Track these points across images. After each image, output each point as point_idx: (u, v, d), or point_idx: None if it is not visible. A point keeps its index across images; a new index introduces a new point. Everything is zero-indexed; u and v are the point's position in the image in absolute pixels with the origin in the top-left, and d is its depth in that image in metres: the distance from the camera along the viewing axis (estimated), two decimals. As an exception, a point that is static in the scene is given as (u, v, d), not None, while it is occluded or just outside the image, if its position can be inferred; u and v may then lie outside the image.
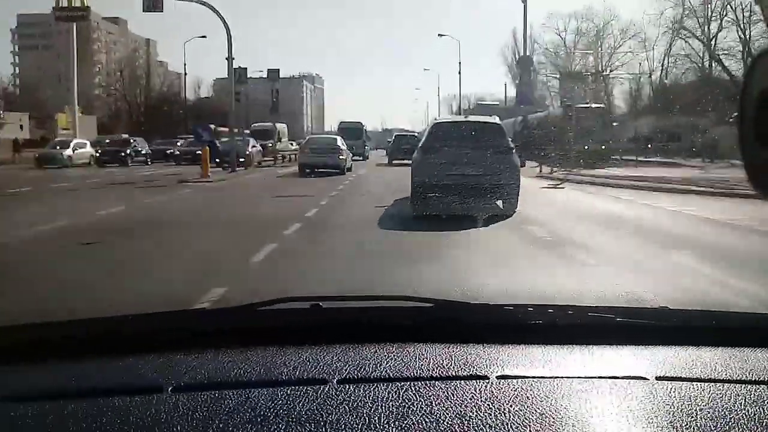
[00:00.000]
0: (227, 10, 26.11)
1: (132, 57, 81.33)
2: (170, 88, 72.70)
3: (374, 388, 0.86)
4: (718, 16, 40.43)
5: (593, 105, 29.61)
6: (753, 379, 0.93)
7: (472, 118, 10.99)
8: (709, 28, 40.51)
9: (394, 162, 27.41)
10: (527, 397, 0.84)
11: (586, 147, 17.98)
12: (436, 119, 10.39)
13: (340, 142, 21.31)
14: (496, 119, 10.72)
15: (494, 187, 8.49)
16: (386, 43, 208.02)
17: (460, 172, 8.43)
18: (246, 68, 28.53)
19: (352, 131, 34.26)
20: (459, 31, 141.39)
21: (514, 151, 9.29)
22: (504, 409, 0.81)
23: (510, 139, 9.67)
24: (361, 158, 33.38)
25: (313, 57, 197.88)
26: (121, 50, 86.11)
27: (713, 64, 41.04)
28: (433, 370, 0.93)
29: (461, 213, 7.93)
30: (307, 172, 19.53)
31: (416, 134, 37.19)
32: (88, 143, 29.79)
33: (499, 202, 8.75)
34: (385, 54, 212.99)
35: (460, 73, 45.08)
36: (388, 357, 0.97)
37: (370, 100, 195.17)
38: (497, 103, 65.03)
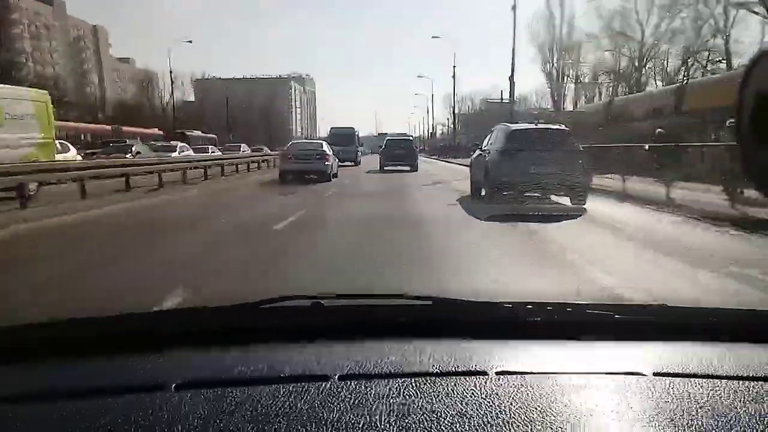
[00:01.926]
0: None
1: (73, 47, 70.12)
2: (140, 88, 69.41)
3: (375, 384, 0.92)
4: None
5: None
6: (750, 375, 0.98)
7: (542, 125, 13.13)
8: None
9: (386, 168, 26.65)
10: (526, 393, 0.90)
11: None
12: (507, 125, 12.28)
13: (325, 147, 20.60)
14: (562, 126, 12.87)
15: (565, 186, 10.27)
16: (382, 41, 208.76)
17: (534, 171, 10.19)
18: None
19: (344, 137, 34.44)
20: (464, 24, 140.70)
21: (582, 153, 11.15)
22: (503, 404, 0.86)
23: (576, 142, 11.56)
24: (353, 164, 33.48)
25: (305, 60, 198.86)
26: (59, 37, 74.61)
27: None
28: (433, 366, 0.99)
29: (531, 207, 9.55)
30: (290, 179, 18.54)
31: (411, 137, 35.44)
32: None
33: (567, 199, 10.52)
34: (381, 53, 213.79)
35: (514, 56, 28.68)
36: (388, 353, 1.03)
37: (366, 105, 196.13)
38: (508, 100, 62.98)
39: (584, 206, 10.12)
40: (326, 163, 19.47)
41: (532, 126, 12.43)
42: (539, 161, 10.36)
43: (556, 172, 10.21)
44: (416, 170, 25.93)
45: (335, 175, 20.95)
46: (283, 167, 19.63)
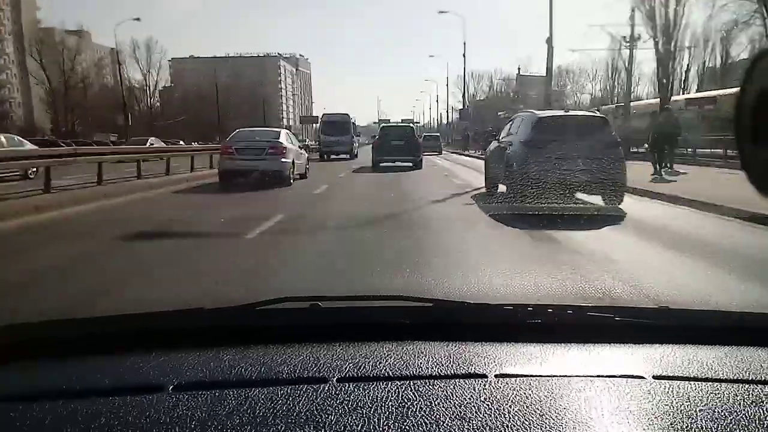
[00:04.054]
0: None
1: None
2: (99, 69, 66.20)
3: (374, 387, 1.00)
4: None
5: None
6: (750, 378, 1.07)
7: (574, 112, 12.86)
8: None
9: (381, 165, 22.66)
10: (525, 396, 0.98)
11: None
12: (533, 112, 12.03)
13: (284, 137, 16.44)
14: (597, 113, 12.51)
15: (598, 182, 9.89)
16: (387, 24, 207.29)
17: (565, 166, 9.87)
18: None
19: (337, 125, 33.05)
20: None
21: (620, 145, 10.88)
22: (502, 407, 0.94)
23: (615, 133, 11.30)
24: (348, 156, 32.24)
25: (305, 48, 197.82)
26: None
27: None
28: (432, 368, 1.07)
29: (556, 207, 9.13)
30: (238, 182, 14.95)
31: (412, 125, 31.43)
32: None
33: (599, 198, 10.19)
34: (386, 37, 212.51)
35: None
36: (387, 356, 1.12)
37: (369, 93, 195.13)
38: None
39: (618, 206, 10.00)
40: (283, 160, 15.34)
41: (563, 113, 12.20)
42: (571, 154, 10.08)
43: (590, 167, 9.97)
44: (420, 167, 22.54)
45: (303, 176, 17.10)
46: (223, 166, 15.71)
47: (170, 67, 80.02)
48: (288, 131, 17.57)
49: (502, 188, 11.68)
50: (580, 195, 10.45)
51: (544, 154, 10.13)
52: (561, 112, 12.32)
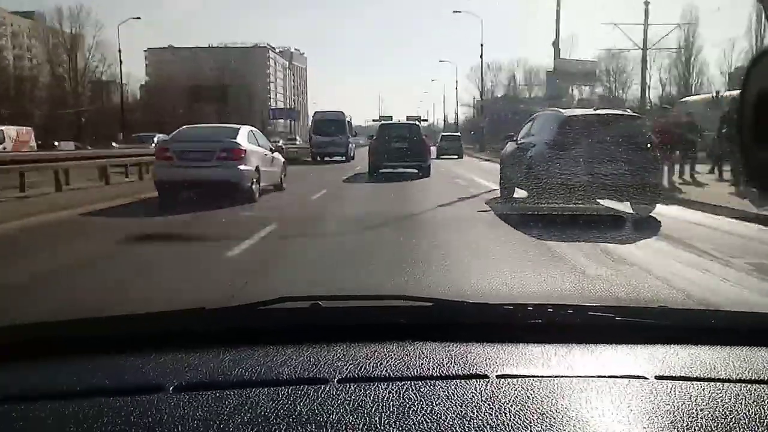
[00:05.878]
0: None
1: None
2: (52, 57, 63.48)
3: (375, 388, 1.07)
4: None
5: None
6: (752, 378, 1.14)
7: (604, 111, 12.67)
8: None
9: (381, 171, 20.62)
10: (527, 396, 1.05)
11: None
12: (558, 111, 12.08)
13: (243, 136, 13.40)
14: (629, 111, 12.55)
15: (628, 187, 9.88)
16: (387, 23, 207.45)
17: (590, 170, 9.86)
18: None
19: (331, 124, 32.47)
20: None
21: (653, 147, 10.92)
22: (504, 408, 1.01)
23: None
24: (343, 159, 31.81)
25: (305, 45, 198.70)
26: None
27: None
28: (433, 369, 1.15)
29: (576, 215, 9.22)
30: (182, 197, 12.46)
31: (418, 123, 29.44)
32: None
33: (627, 205, 10.23)
34: (387, 35, 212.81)
35: None
36: (388, 356, 1.19)
37: (370, 90, 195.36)
38: (595, 60, 49.66)
39: (649, 214, 10.06)
40: (241, 167, 12.62)
41: (592, 111, 12.13)
42: (600, 157, 10.13)
43: (620, 171, 10.01)
44: (428, 175, 20.11)
45: (278, 187, 14.99)
46: (160, 175, 12.93)
47: (146, 59, 79.51)
48: (253, 129, 14.72)
49: (520, 193, 11.74)
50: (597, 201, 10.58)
51: (572, 156, 10.14)
52: (590, 111, 12.28)
